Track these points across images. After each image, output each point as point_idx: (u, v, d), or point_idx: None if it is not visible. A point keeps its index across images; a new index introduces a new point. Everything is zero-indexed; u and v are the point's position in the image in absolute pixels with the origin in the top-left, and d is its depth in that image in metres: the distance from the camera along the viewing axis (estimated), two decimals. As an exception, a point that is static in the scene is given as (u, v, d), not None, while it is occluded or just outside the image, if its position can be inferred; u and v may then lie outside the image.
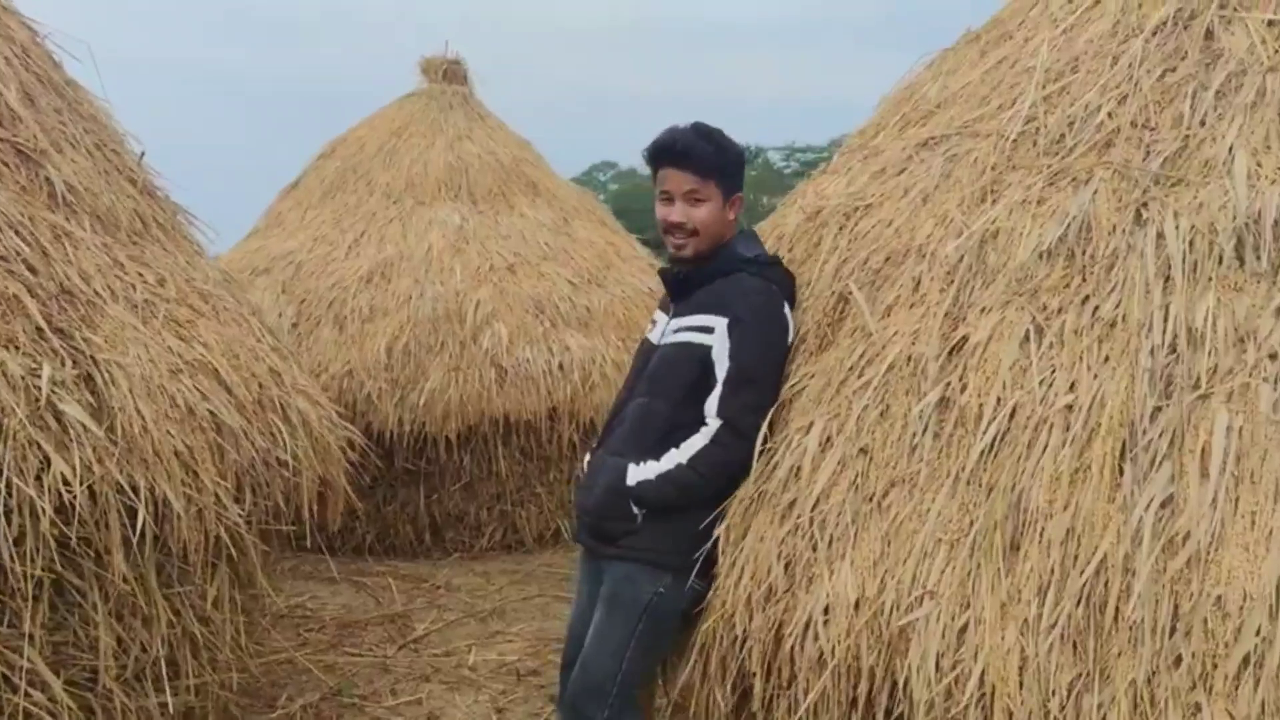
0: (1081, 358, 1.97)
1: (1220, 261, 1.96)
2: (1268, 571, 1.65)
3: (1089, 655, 1.73)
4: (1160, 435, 1.81)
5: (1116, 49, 2.45)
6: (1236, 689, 1.60)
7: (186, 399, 2.68)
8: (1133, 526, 1.76)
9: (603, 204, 7.30)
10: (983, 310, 2.15)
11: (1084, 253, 2.11)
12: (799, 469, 2.25)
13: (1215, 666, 1.63)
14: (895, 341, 2.24)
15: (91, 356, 2.47)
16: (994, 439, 1.98)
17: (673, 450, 2.33)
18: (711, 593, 2.31)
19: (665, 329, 2.51)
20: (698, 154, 2.40)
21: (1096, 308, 2.03)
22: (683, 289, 2.50)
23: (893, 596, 1.96)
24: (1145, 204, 2.09)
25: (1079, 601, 1.76)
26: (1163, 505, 1.75)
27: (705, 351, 2.35)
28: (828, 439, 2.24)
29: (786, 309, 2.44)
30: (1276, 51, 2.21)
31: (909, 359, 2.20)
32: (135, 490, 2.39)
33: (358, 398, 5.33)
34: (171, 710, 2.62)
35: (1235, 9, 2.31)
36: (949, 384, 2.10)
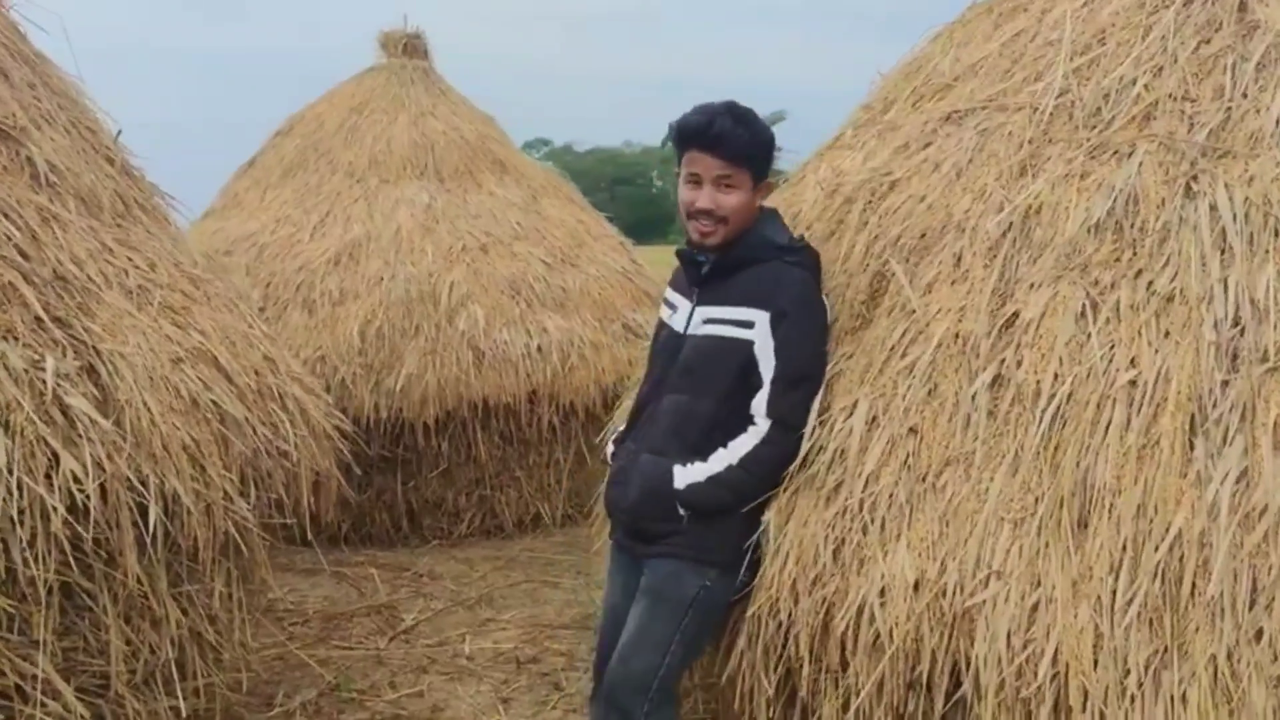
0: (1140, 333, 1.96)
1: (1277, 234, 1.95)
2: (1348, 543, 1.65)
3: (1166, 631, 1.73)
4: (1231, 409, 1.80)
5: (1146, 20, 2.43)
6: (1323, 662, 1.61)
7: (190, 389, 2.55)
8: (1208, 501, 1.75)
9: (570, 182, 7.16)
10: (1032, 286, 2.13)
11: (1133, 226, 2.10)
12: (844, 451, 2.21)
13: (1300, 640, 1.63)
14: (940, 319, 2.21)
15: (94, 347, 2.33)
16: (1054, 416, 1.96)
17: (720, 450, 2.26)
18: (755, 580, 2.26)
19: (692, 317, 2.40)
20: (732, 140, 2.29)
21: (1151, 282, 2.02)
22: (710, 275, 2.41)
23: (955, 577, 1.93)
24: (1195, 176, 2.08)
25: (1154, 577, 1.75)
26: (1238, 479, 1.75)
27: (747, 347, 2.27)
28: (873, 419, 2.21)
29: (823, 295, 2.39)
30: (1314, 23, 2.21)
31: (957, 336, 2.17)
32: (146, 486, 2.27)
33: (331, 383, 5.15)
34: (183, 713, 2.51)
35: (1269, -20, 2.31)
36: (1003, 361, 2.07)
